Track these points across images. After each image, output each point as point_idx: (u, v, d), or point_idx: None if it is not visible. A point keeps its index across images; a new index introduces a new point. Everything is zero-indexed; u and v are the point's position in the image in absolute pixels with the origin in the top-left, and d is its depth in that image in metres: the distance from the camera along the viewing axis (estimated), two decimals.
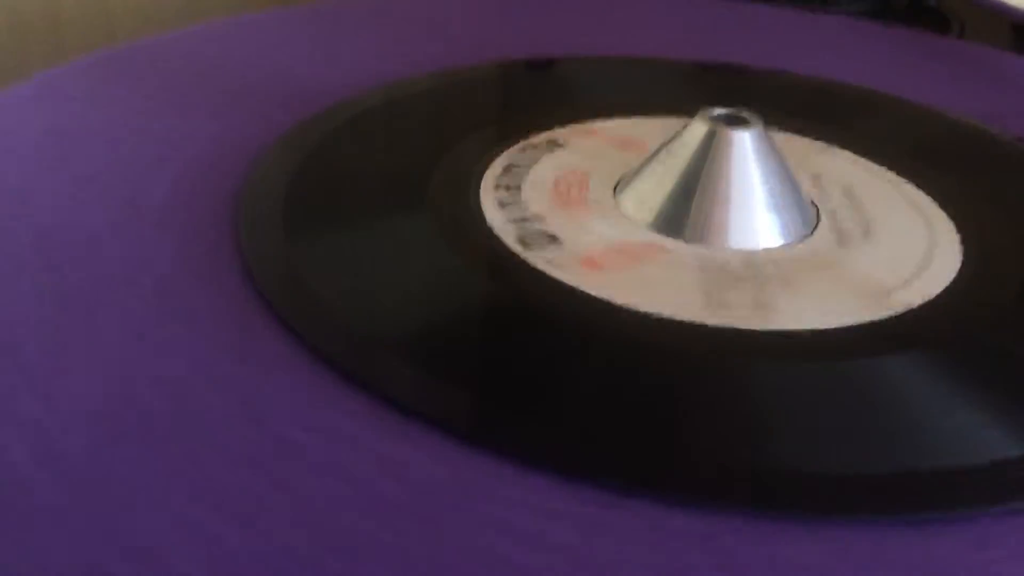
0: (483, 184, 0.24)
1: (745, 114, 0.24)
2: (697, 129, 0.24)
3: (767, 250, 0.23)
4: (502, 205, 0.24)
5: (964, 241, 0.24)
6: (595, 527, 0.15)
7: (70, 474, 0.15)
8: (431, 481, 0.16)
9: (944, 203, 0.25)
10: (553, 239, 0.22)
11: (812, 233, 0.24)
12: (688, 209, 0.23)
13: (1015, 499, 0.16)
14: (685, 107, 0.25)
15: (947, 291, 0.22)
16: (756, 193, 0.23)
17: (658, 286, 0.21)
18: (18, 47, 0.39)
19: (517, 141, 0.27)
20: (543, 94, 0.31)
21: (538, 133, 0.27)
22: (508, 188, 0.24)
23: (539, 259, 0.22)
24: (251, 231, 0.22)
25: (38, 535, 0.14)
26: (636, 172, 0.25)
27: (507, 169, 0.25)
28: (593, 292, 0.21)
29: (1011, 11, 0.44)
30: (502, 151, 0.26)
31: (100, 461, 0.16)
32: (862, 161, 0.27)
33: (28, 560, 0.14)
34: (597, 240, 0.23)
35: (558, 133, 0.28)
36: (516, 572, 0.14)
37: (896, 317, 0.21)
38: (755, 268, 0.22)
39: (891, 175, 0.27)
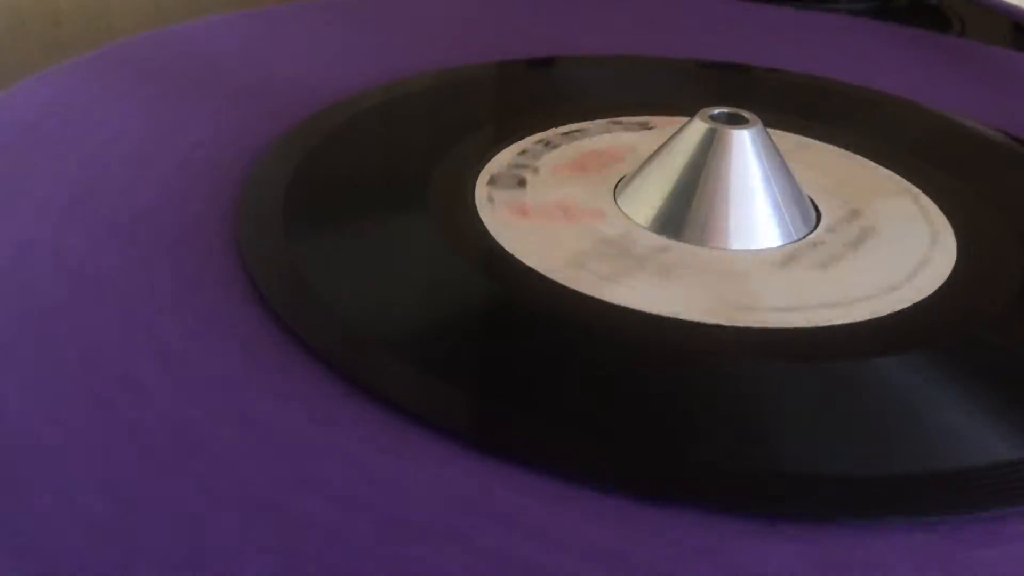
0: (482, 183, 0.24)
1: (745, 113, 0.24)
2: (697, 128, 0.24)
3: (767, 249, 0.23)
4: (502, 204, 0.24)
5: (962, 240, 0.24)
6: (593, 526, 0.15)
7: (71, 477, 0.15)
8: (431, 480, 0.16)
9: (943, 202, 0.25)
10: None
11: (812, 232, 0.24)
12: (688, 209, 0.23)
13: (1015, 500, 0.16)
14: (685, 107, 0.25)
15: (945, 291, 0.22)
16: (756, 192, 0.23)
17: (659, 285, 0.21)
18: (18, 46, 0.39)
19: (516, 140, 0.27)
20: (543, 93, 0.31)
21: (538, 132, 0.27)
22: (508, 187, 0.24)
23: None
24: (250, 230, 0.22)
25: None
26: (636, 172, 0.25)
27: (507, 168, 0.25)
28: (592, 291, 0.21)
29: (1011, 10, 0.44)
30: (502, 150, 0.26)
31: (100, 467, 0.16)
32: (861, 160, 0.27)
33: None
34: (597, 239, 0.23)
35: (558, 132, 0.27)
36: (516, 572, 0.14)
37: (895, 316, 0.21)
38: (755, 267, 0.22)
39: (890, 174, 0.27)
